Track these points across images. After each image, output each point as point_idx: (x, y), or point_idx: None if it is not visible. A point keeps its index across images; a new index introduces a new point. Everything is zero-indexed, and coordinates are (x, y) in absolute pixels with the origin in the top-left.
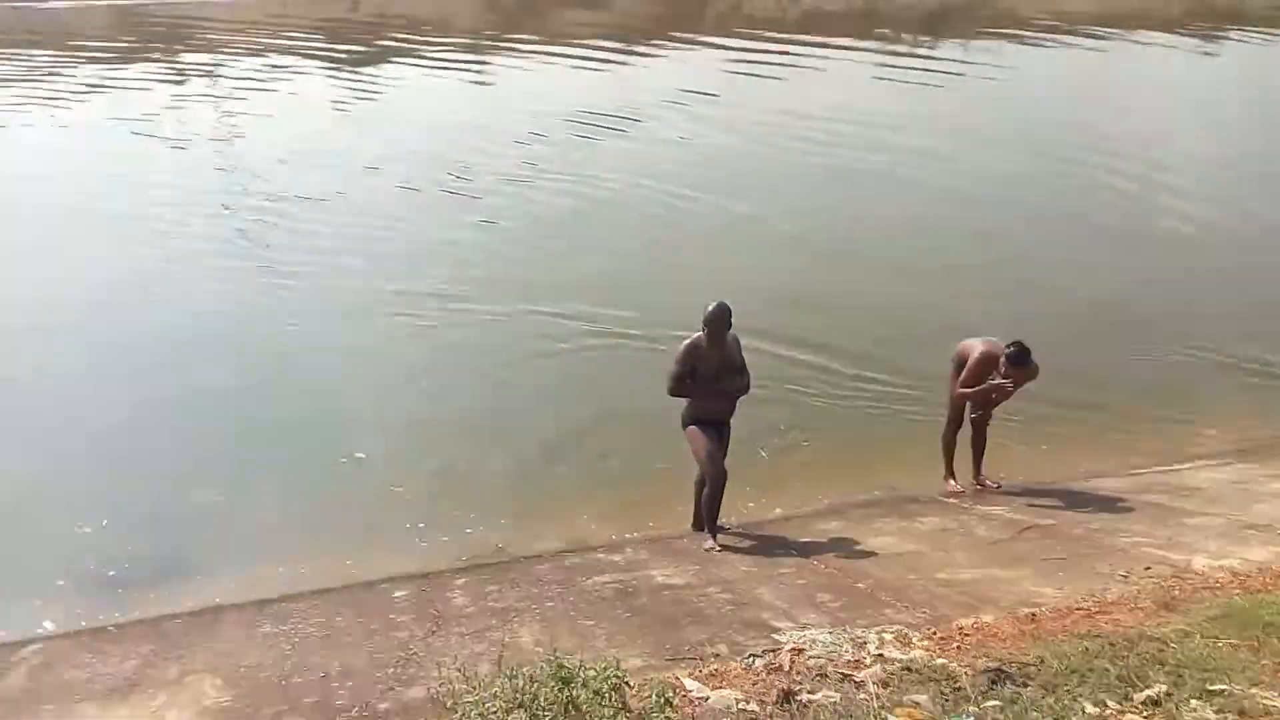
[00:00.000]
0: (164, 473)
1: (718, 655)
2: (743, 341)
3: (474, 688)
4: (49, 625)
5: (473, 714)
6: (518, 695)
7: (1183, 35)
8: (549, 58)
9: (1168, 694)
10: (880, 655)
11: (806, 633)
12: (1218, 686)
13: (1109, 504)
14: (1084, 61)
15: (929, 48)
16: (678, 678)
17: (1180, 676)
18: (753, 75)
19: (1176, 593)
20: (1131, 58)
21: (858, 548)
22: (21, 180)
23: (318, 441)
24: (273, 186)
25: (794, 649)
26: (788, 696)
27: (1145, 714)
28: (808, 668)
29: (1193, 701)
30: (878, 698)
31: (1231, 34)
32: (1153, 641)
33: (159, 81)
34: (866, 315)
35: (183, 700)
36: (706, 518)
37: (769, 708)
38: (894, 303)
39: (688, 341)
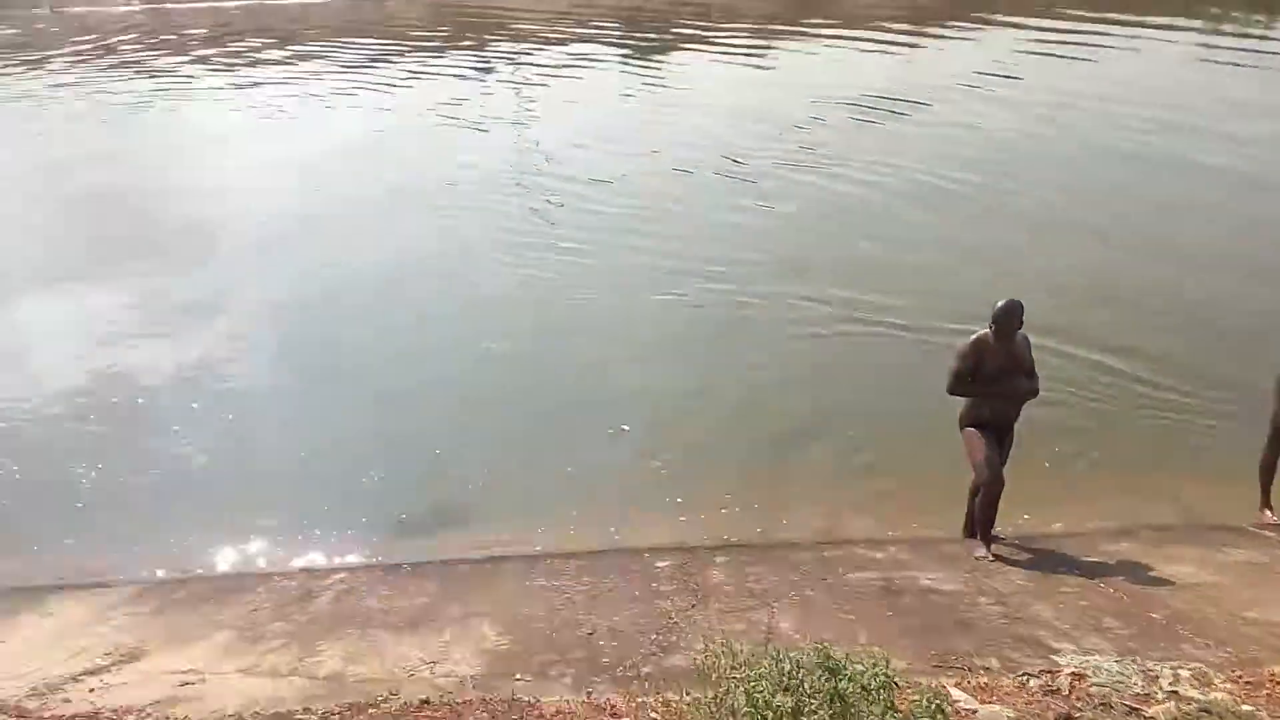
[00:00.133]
0: (448, 431)
1: (988, 669)
2: (1032, 340)
3: (739, 665)
4: (352, 558)
5: (738, 690)
6: (784, 679)
7: None
8: (837, 42)
9: None
10: (1174, 693)
11: (1090, 658)
12: None
13: None
14: None
15: (1265, 27)
16: (944, 685)
17: None
18: (1056, 56)
19: None
20: None
21: (1150, 574)
22: (342, 156)
23: (587, 411)
24: (562, 168)
25: (1075, 673)
26: None
27: None
28: (1089, 695)
29: None
30: None
31: None
32: None
33: (468, 69)
34: (1171, 316)
35: (465, 639)
36: (980, 525)
37: None
38: (1206, 304)
39: (973, 337)
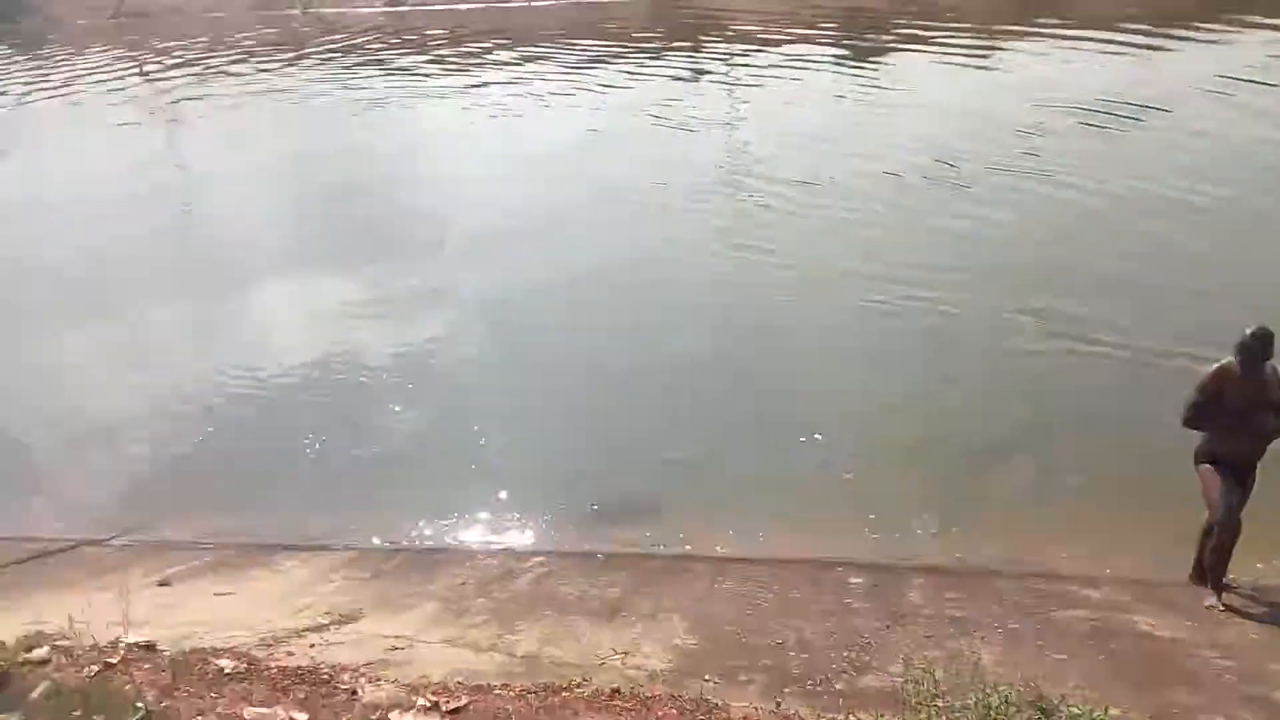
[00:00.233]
0: (643, 426)
1: None
2: None
3: (941, 694)
4: (548, 543)
5: None
6: (991, 714)
7: None
8: (1070, 43)
9: None
10: None
11: None
12: None
13: None
14: None
15: None
16: None
17: None
18: None
19: None
20: None
21: None
22: (559, 155)
23: (780, 415)
24: (771, 170)
25: None
26: None
27: None
28: None
29: None
30: None
31: None
32: None
33: (682, 69)
34: None
35: (655, 633)
36: (1210, 571)
37: None
38: None
39: (1215, 367)
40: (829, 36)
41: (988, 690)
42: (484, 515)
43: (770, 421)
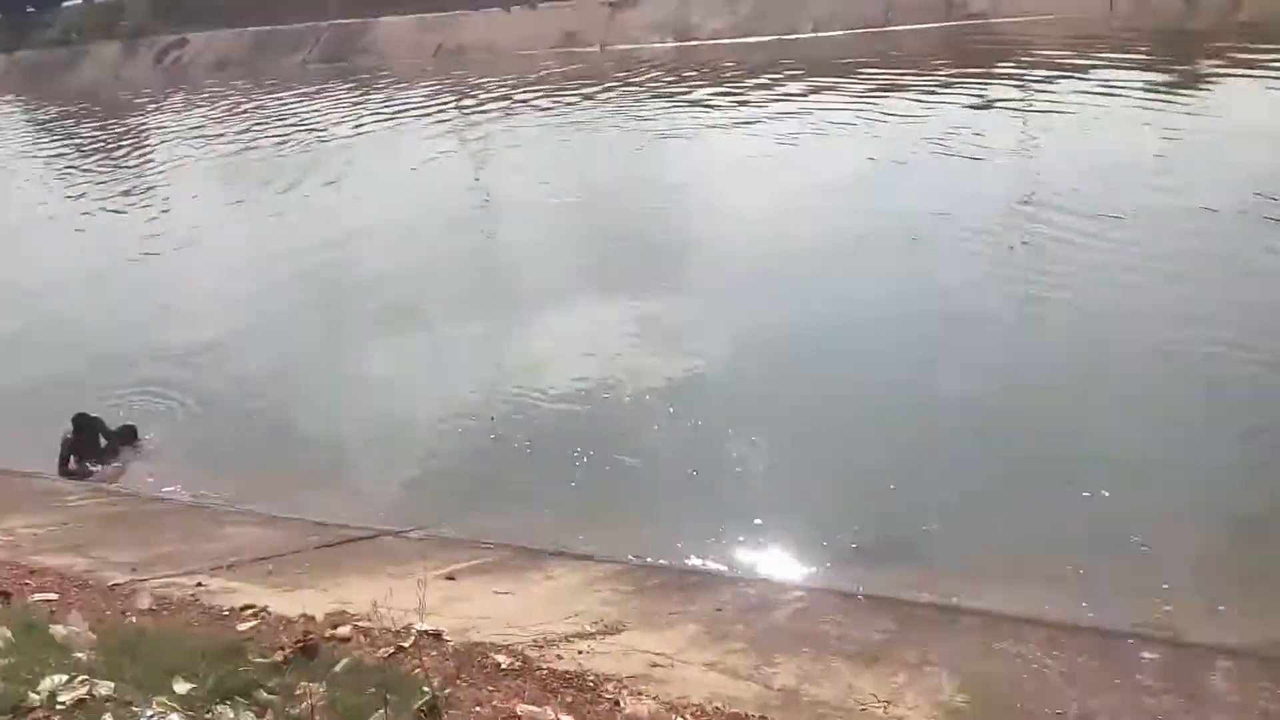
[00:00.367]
0: (914, 468)
1: None
2: None
3: None
4: (809, 578)
5: None
6: None
7: None
8: None
9: None
10: None
11: None
12: None
13: None
14: None
15: None
16: None
17: None
18: None
19: None
20: None
21: None
22: (837, 186)
23: (1056, 466)
24: (1065, 201)
25: None
26: None
27: None
28: None
29: None
30: None
31: None
32: None
33: (971, 97)
34: None
35: (919, 685)
36: None
37: None
38: None
39: None
40: (1140, 60)
41: None
42: (743, 543)
43: (1044, 471)
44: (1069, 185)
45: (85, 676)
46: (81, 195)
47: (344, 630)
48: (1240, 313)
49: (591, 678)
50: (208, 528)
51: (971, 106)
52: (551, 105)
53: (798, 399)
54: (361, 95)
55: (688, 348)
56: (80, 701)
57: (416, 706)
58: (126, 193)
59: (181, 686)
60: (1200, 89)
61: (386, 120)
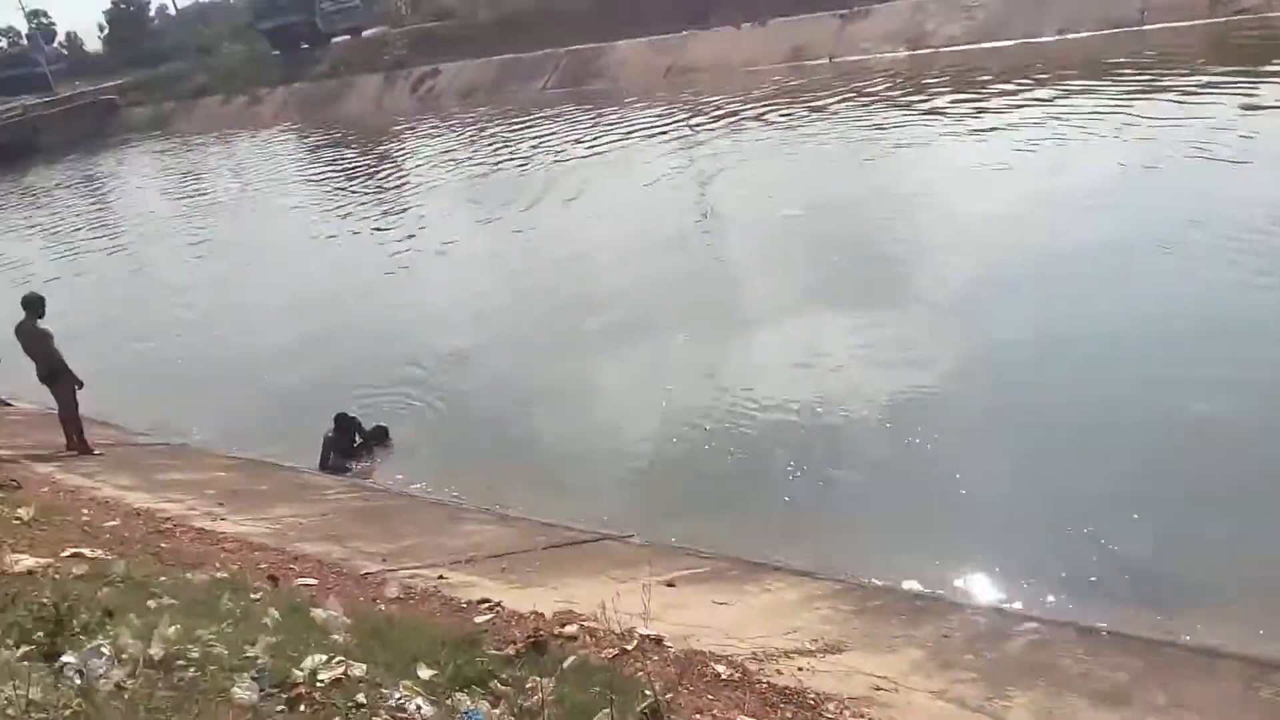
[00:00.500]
0: (1163, 497)
1: None
2: None
3: None
4: (1044, 610)
5: None
6: None
7: None
8: None
9: None
10: None
11: None
12: None
13: None
14: None
15: None
16: None
17: None
18: None
19: None
20: None
21: None
22: (1082, 194)
23: None
24: None
25: None
26: None
27: None
28: None
29: None
30: None
31: None
32: None
33: (1237, 97)
34: None
35: None
36: None
37: None
38: None
39: None
40: None
41: None
42: (970, 568)
43: None
44: None
45: (341, 658)
46: (349, 215)
47: (571, 629)
48: None
49: (812, 695)
50: (448, 524)
51: (1239, 108)
52: (780, 120)
53: (1031, 418)
54: (596, 117)
55: (912, 362)
56: (337, 681)
57: (640, 709)
58: (387, 212)
59: (425, 672)
60: None
61: (619, 140)
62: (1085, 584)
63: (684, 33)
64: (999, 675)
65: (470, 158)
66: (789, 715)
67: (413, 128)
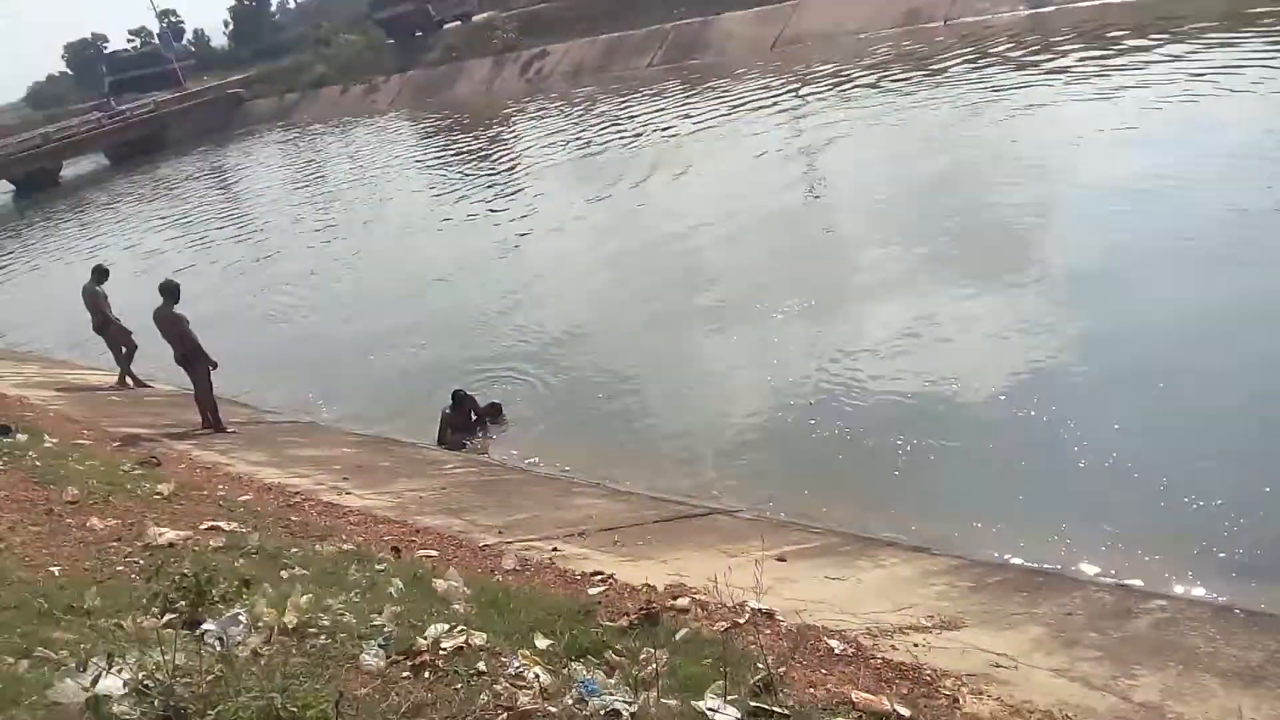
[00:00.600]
0: None
1: None
2: None
3: None
4: (1172, 587)
5: None
6: None
7: None
8: None
9: None
10: None
11: None
12: None
13: None
14: None
15: None
16: None
17: None
18: None
19: None
20: None
21: None
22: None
23: None
24: None
25: None
26: None
27: None
28: None
29: None
30: None
31: None
32: None
33: None
34: None
35: None
36: None
37: None
38: None
39: None
40: None
41: None
42: (1095, 545)
43: None
44: None
45: (462, 627)
46: (463, 197)
47: (683, 602)
48: None
49: (928, 672)
50: (561, 498)
51: None
52: (894, 86)
53: (1157, 390)
54: (703, 91)
55: (1027, 333)
56: (459, 649)
57: (753, 682)
58: (499, 194)
59: (541, 642)
60: None
61: (727, 115)
62: (1216, 561)
63: (791, 1)
64: (1124, 653)
65: (579, 137)
66: (904, 691)
67: (522, 109)
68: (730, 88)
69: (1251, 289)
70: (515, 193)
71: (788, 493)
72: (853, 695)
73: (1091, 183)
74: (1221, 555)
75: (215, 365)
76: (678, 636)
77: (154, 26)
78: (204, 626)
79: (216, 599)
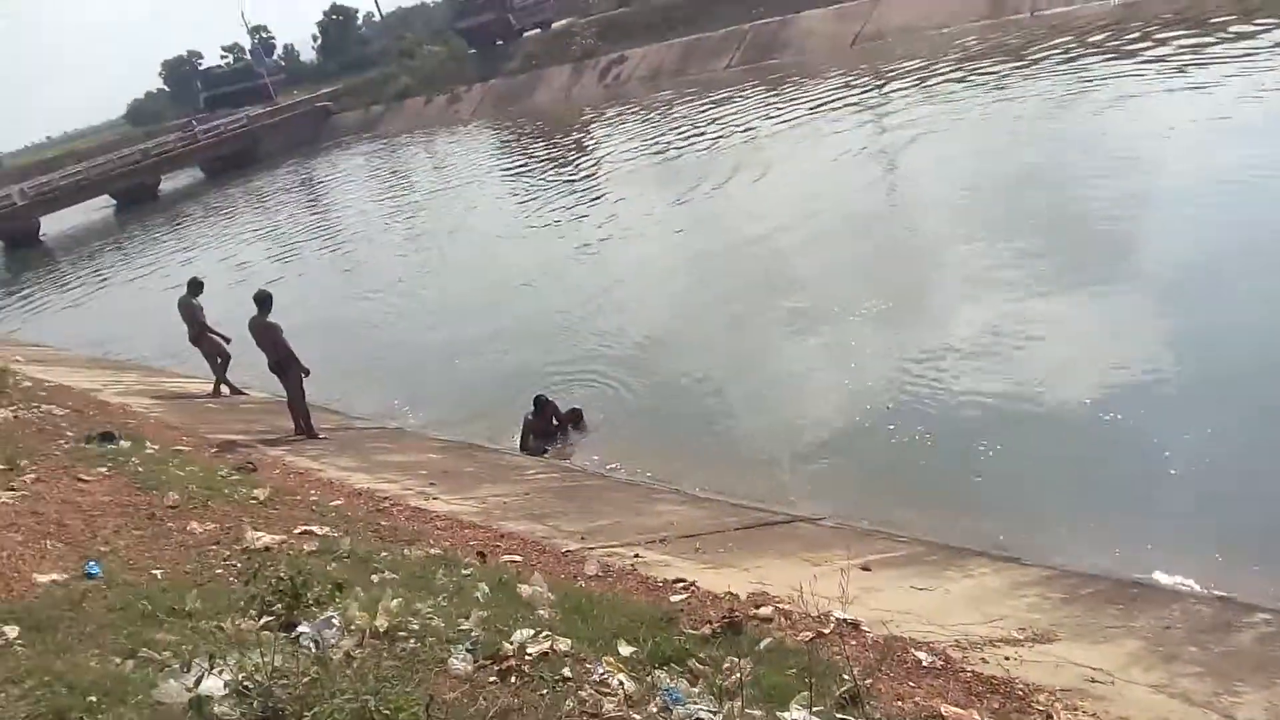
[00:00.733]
0: None
1: None
2: None
3: None
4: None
5: None
6: None
7: None
8: None
9: None
10: None
11: None
12: None
13: None
14: None
15: None
16: None
17: None
18: None
19: None
20: None
21: None
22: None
23: None
24: None
25: None
26: None
27: None
28: None
29: None
30: None
31: None
32: None
33: None
34: None
35: None
36: None
37: None
38: None
39: None
40: None
41: None
42: (1192, 556)
43: None
44: None
45: (548, 632)
46: (545, 204)
47: (766, 610)
48: None
49: (1020, 686)
50: (642, 504)
51: None
52: (977, 80)
53: (1258, 400)
54: (782, 92)
55: (1117, 338)
56: (544, 654)
57: (839, 693)
58: (580, 199)
59: (625, 649)
60: None
61: (807, 115)
62: None
63: None
64: (1227, 669)
65: (658, 141)
66: (996, 706)
67: (601, 115)
68: (810, 87)
69: None
70: (596, 198)
71: (867, 497)
72: (942, 709)
73: (1183, 175)
74: None
75: (307, 372)
76: (761, 646)
77: (246, 43)
78: (299, 629)
79: (311, 602)
